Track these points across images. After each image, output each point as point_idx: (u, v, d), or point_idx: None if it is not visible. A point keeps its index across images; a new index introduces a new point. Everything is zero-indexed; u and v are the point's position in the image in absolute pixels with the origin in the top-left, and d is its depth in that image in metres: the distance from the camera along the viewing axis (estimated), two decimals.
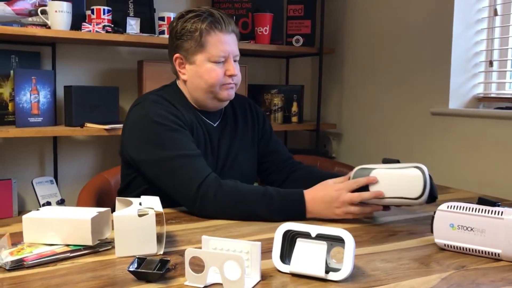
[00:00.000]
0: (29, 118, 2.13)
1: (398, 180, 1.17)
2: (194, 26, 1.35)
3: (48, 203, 2.24)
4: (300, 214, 1.21)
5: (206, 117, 1.43)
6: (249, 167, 1.51)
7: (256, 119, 1.55)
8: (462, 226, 1.01)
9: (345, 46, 2.80)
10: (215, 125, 1.45)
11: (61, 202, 2.29)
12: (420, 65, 2.30)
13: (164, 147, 1.28)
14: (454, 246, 1.02)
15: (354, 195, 1.18)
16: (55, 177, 2.40)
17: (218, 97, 1.39)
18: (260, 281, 0.85)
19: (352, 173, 1.22)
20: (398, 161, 1.21)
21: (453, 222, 1.02)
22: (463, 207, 1.02)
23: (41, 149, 2.42)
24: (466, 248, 1.01)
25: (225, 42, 1.35)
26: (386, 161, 1.22)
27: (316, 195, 1.20)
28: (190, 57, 1.37)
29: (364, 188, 1.19)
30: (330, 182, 1.23)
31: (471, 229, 1.00)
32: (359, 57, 2.70)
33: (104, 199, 1.68)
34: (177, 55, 1.40)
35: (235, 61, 1.40)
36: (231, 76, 1.37)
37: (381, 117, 2.56)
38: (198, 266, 0.85)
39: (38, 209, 1.07)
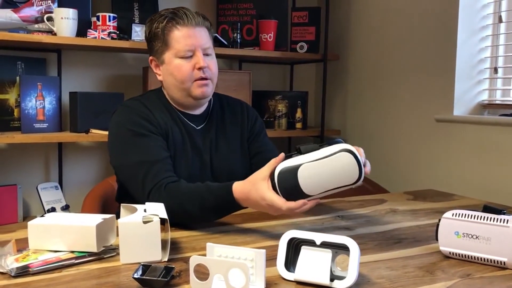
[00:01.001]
0: (34, 124, 2.14)
1: (331, 171, 1.02)
2: (157, 26, 1.37)
3: (53, 209, 2.24)
4: (234, 210, 1.18)
5: (189, 119, 1.42)
6: (239, 170, 1.47)
7: (246, 121, 1.53)
8: (467, 234, 1.01)
9: (349, 52, 2.81)
10: (198, 128, 1.43)
11: (65, 208, 2.29)
12: (424, 72, 2.30)
13: (127, 154, 1.30)
14: (459, 254, 1.02)
15: (293, 211, 1.06)
16: (60, 182, 2.40)
17: (192, 94, 1.37)
18: None
19: (276, 177, 1.05)
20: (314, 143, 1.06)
21: (458, 230, 1.02)
22: (468, 214, 1.01)
23: (46, 155, 2.43)
24: (471, 256, 1.01)
25: (189, 36, 1.35)
26: (305, 149, 1.05)
27: (249, 198, 1.11)
28: (160, 57, 1.39)
29: (295, 184, 1.03)
30: (260, 190, 1.07)
31: (477, 237, 1.00)
32: (364, 64, 2.70)
33: (109, 205, 1.69)
34: (150, 57, 1.43)
35: (206, 54, 1.38)
36: (200, 68, 1.35)
37: (385, 123, 2.56)
38: (202, 273, 0.85)
39: (43, 215, 1.07)
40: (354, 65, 2.77)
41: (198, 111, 1.45)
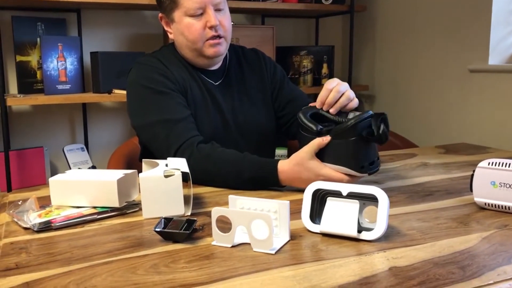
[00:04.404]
0: (57, 86, 2.14)
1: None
2: None
3: None
4: (273, 186, 1.14)
5: (206, 75, 1.37)
6: (264, 123, 1.43)
7: (265, 71, 1.46)
8: (504, 183, 0.95)
9: (377, 2, 2.68)
10: (216, 83, 1.38)
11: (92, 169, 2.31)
12: (457, 20, 2.18)
13: (147, 113, 1.26)
14: (495, 205, 0.97)
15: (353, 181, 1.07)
16: (86, 144, 2.42)
17: (204, 54, 1.31)
18: (289, 240, 0.82)
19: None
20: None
21: (494, 180, 0.96)
22: (506, 163, 0.95)
23: (71, 116, 2.44)
24: (509, 207, 0.95)
25: None
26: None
27: (299, 178, 1.08)
28: (169, 15, 1.32)
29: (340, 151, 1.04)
30: (313, 169, 1.06)
31: None
32: (392, 14, 2.58)
33: (134, 164, 1.68)
34: (160, 15, 1.36)
35: (218, 10, 1.30)
36: (212, 27, 1.28)
37: (416, 77, 2.46)
38: (225, 224, 0.82)
39: (65, 172, 1.06)
40: (383, 16, 2.65)
41: (215, 67, 1.40)
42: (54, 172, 2.38)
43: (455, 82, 2.22)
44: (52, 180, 1.00)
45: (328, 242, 0.82)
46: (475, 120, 2.13)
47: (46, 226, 0.90)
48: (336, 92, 1.12)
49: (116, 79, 2.19)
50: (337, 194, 0.86)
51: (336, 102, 1.12)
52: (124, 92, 2.15)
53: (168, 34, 1.37)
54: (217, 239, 0.81)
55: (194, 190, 1.12)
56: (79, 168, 2.26)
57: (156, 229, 0.83)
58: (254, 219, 0.78)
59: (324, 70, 2.66)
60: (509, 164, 0.95)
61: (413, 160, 1.46)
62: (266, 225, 0.77)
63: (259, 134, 1.42)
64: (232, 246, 0.80)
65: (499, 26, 2.03)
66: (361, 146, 1.03)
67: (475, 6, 2.08)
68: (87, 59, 2.33)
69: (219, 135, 1.32)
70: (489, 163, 0.97)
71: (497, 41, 2.04)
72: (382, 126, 1.01)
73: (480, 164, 0.98)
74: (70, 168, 2.26)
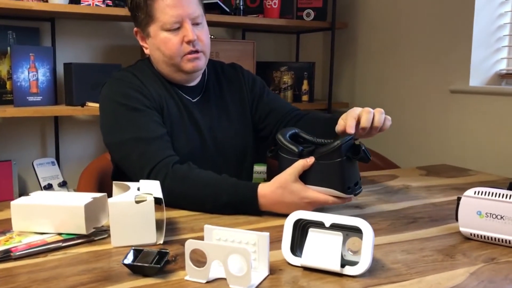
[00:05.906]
0: (28, 97, 2.05)
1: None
2: None
3: (50, 185, 2.17)
4: (252, 213, 1.08)
5: (183, 92, 1.32)
6: (243, 141, 1.38)
7: (243, 85, 1.41)
8: (491, 214, 0.92)
9: (358, 20, 2.68)
10: (194, 100, 1.33)
11: (63, 184, 2.22)
12: (439, 40, 2.18)
13: (120, 130, 1.20)
14: (481, 236, 0.93)
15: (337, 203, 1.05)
16: (57, 158, 2.33)
17: (182, 70, 1.26)
18: (268, 275, 0.77)
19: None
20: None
21: (480, 210, 0.93)
22: (492, 193, 0.92)
23: (42, 129, 2.35)
24: (495, 238, 0.92)
25: (175, 5, 1.21)
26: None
27: (282, 202, 1.03)
28: (145, 29, 1.27)
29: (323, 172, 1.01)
30: (297, 191, 1.02)
31: (501, 217, 0.91)
32: (374, 32, 2.58)
33: (106, 181, 1.61)
34: (135, 29, 1.31)
35: (196, 24, 1.25)
36: (189, 42, 1.23)
37: (396, 96, 2.45)
38: (200, 257, 0.76)
39: (28, 195, 0.99)
40: (364, 33, 2.65)
41: (193, 83, 1.35)
42: (22, 187, 2.27)
43: (436, 102, 2.21)
44: (14, 204, 0.93)
45: (310, 277, 0.77)
46: (455, 140, 2.12)
47: (4, 256, 0.82)
48: (367, 113, 1.09)
49: (90, 91, 2.12)
50: (319, 224, 0.81)
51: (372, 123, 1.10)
52: (98, 105, 2.08)
53: (144, 49, 1.32)
54: (191, 274, 0.75)
55: (168, 213, 1.06)
56: (49, 184, 2.17)
57: (125, 262, 0.77)
58: (231, 253, 0.73)
59: (305, 86, 2.64)
60: (496, 193, 0.92)
61: (395, 182, 1.42)
62: (244, 260, 0.72)
63: (238, 152, 1.37)
64: (207, 282, 0.74)
65: (480, 48, 2.04)
66: (346, 167, 1.00)
67: (456, 27, 2.09)
68: (60, 70, 2.25)
69: (196, 154, 1.27)
70: (475, 192, 0.94)
71: (478, 63, 2.04)
72: (363, 145, 1.00)
73: (466, 193, 0.95)
74: (40, 183, 2.17)
